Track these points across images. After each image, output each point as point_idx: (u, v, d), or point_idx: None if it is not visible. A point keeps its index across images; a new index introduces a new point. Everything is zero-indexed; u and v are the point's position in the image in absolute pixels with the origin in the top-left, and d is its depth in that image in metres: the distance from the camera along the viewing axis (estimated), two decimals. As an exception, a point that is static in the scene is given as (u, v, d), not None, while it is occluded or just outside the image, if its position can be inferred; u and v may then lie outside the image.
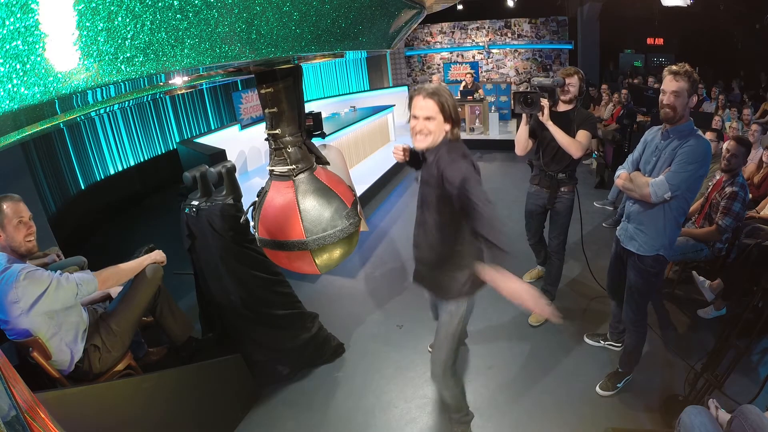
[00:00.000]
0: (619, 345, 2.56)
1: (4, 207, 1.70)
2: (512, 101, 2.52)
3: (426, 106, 1.58)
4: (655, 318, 2.91)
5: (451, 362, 1.87)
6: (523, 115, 2.61)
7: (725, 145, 2.93)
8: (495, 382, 2.46)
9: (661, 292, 3.13)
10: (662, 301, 3.07)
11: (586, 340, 2.72)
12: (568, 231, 2.85)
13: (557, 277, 2.95)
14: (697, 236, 2.94)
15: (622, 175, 2.11)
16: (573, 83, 2.57)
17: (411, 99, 1.63)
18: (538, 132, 2.68)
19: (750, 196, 2.99)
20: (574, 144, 2.49)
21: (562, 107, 2.64)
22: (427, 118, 1.58)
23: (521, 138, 2.68)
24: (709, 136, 3.58)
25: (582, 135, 2.52)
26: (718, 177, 3.10)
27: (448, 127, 1.61)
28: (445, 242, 1.70)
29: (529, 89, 2.58)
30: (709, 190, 3.11)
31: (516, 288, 1.28)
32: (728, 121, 5.26)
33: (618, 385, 2.32)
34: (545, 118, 2.46)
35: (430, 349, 2.59)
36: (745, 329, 2.03)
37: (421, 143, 1.61)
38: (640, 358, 2.30)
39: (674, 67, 1.85)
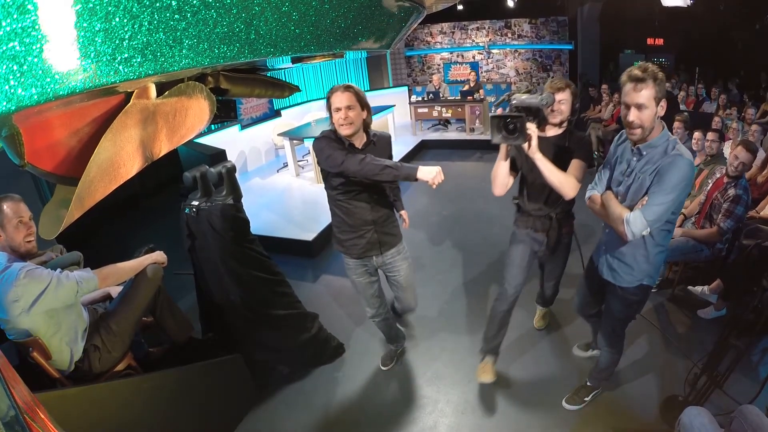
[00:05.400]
0: None
1: (5, 207, 1.71)
2: (490, 129, 1.81)
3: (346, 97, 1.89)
4: (655, 318, 2.90)
5: None
6: (501, 146, 1.92)
7: (733, 151, 2.87)
8: (495, 383, 2.45)
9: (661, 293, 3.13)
10: (662, 301, 3.07)
11: (575, 352, 2.62)
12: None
13: (553, 298, 2.72)
14: (697, 237, 2.94)
15: (593, 197, 1.81)
16: (565, 99, 1.98)
17: (329, 98, 1.92)
18: (521, 164, 2.13)
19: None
20: (567, 182, 1.89)
21: (551, 131, 2.08)
22: (349, 108, 1.88)
23: (500, 174, 2.01)
24: (710, 136, 3.57)
25: (576, 168, 1.96)
26: (718, 175, 3.09)
27: (365, 114, 1.96)
28: (384, 198, 2.13)
29: (509, 112, 1.79)
30: (709, 188, 3.10)
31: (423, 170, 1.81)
32: (729, 122, 5.25)
33: (585, 399, 2.24)
34: (533, 150, 1.79)
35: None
36: (745, 329, 2.03)
37: (347, 130, 1.90)
38: (640, 359, 2.29)
39: (635, 71, 1.47)
